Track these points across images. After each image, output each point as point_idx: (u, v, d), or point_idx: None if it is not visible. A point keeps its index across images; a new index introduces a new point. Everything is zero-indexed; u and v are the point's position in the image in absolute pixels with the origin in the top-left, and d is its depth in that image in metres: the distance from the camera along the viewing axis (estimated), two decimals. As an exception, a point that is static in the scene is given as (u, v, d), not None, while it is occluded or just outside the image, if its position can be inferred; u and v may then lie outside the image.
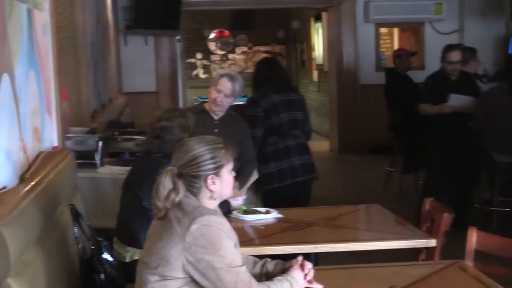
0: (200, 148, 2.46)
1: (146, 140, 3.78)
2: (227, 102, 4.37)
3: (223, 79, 4.34)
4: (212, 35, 16.52)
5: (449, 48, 6.17)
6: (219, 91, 4.33)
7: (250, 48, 17.01)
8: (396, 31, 12.57)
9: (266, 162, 4.76)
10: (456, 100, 5.98)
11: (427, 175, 6.52)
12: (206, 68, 16.69)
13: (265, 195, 4.76)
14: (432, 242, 3.31)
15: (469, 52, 7.05)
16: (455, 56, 6.05)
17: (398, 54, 8.21)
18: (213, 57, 16.88)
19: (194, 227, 2.35)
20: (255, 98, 4.80)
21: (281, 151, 4.76)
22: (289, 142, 4.78)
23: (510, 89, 5.93)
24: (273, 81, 4.81)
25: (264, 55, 16.47)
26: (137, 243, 3.43)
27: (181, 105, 12.11)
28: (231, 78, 4.34)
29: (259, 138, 4.73)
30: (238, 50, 17.01)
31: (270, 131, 4.74)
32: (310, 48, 14.24)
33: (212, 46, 16.66)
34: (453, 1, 10.80)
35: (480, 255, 3.07)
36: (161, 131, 3.60)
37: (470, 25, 10.72)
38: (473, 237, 3.06)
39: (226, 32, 16.55)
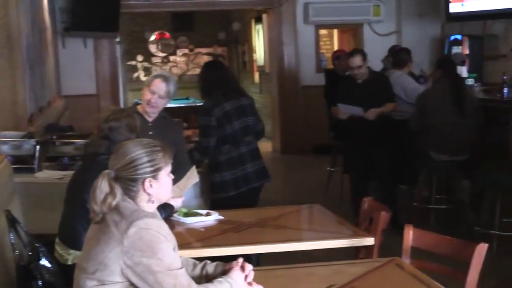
0: (137, 151, 2.44)
1: (93, 142, 3.72)
2: (162, 103, 4.32)
3: (157, 80, 4.28)
4: (152, 37, 16.39)
5: (350, 54, 6.34)
6: (153, 92, 4.26)
7: (191, 50, 16.95)
8: (335, 32, 12.73)
9: (220, 171, 4.73)
10: (345, 109, 6.19)
11: (350, 177, 6.64)
12: (147, 71, 16.54)
13: (218, 203, 4.72)
14: (370, 241, 3.36)
15: (405, 53, 7.19)
16: (354, 61, 6.15)
17: (337, 55, 8.32)
18: (154, 59, 16.76)
19: (132, 230, 2.33)
20: (208, 107, 4.72)
21: (234, 159, 4.74)
22: (242, 149, 4.76)
23: (450, 89, 6.05)
24: (223, 87, 4.76)
25: (205, 57, 16.45)
26: (79, 246, 3.36)
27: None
28: (165, 79, 4.29)
29: (212, 147, 4.71)
30: (179, 52, 16.94)
31: (222, 140, 4.73)
32: (251, 50, 14.30)
33: (153, 48, 16.54)
34: (391, 3, 11.00)
35: (418, 252, 3.14)
36: (109, 131, 3.56)
37: (407, 26, 10.94)
38: (410, 235, 3.13)
39: (167, 34, 16.45)
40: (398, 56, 7.20)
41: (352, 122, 6.22)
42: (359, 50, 6.36)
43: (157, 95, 4.26)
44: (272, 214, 3.96)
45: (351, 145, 6.45)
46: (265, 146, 11.42)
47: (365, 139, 6.20)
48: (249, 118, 4.82)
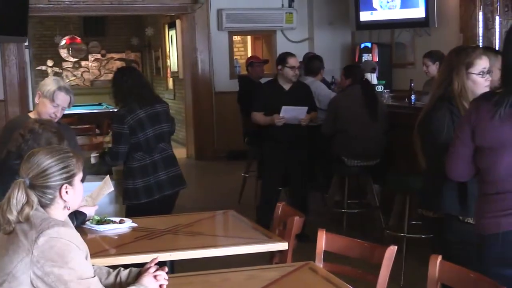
0: (51, 158, 2.41)
1: (13, 137, 3.59)
2: (62, 113, 4.36)
3: (62, 94, 4.26)
4: (63, 42, 16.00)
5: (289, 54, 6.32)
6: (57, 106, 4.26)
7: (103, 55, 16.69)
8: (249, 39, 12.83)
9: (133, 177, 4.70)
10: (287, 112, 6.13)
11: (262, 184, 6.64)
12: (58, 76, 16.17)
13: (132, 210, 4.67)
14: (284, 245, 3.39)
15: (319, 61, 7.33)
16: (296, 61, 6.23)
17: (251, 62, 8.40)
18: (65, 65, 16.40)
19: (42, 239, 2.28)
20: (121, 115, 4.69)
21: (147, 166, 4.71)
22: (155, 157, 4.74)
23: (362, 94, 6.19)
24: (136, 94, 4.71)
25: (118, 62, 16.24)
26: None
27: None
28: (67, 91, 4.29)
29: (123, 153, 4.68)
30: (91, 57, 16.64)
31: (135, 147, 4.68)
32: (165, 56, 14.21)
33: (63, 53, 16.14)
34: (303, 11, 11.17)
35: (331, 256, 3.19)
36: (29, 132, 3.46)
37: (319, 34, 11.13)
38: (322, 239, 3.18)
39: (78, 39, 16.09)
40: (311, 64, 7.33)
41: (274, 128, 6.19)
42: (291, 53, 6.37)
43: (61, 107, 4.29)
44: (186, 220, 3.94)
45: (269, 151, 6.41)
46: (179, 153, 11.33)
47: (287, 145, 6.20)
48: (163, 125, 4.81)
